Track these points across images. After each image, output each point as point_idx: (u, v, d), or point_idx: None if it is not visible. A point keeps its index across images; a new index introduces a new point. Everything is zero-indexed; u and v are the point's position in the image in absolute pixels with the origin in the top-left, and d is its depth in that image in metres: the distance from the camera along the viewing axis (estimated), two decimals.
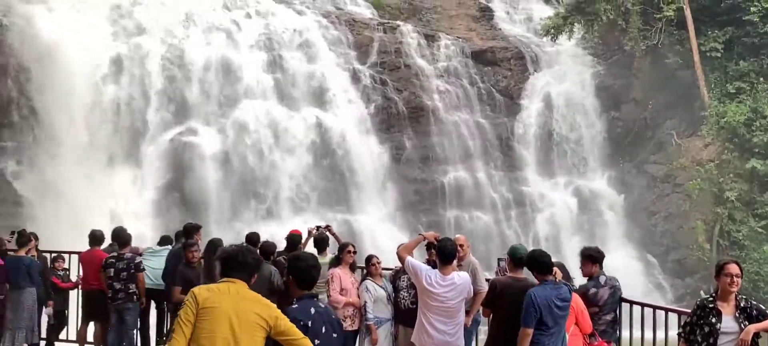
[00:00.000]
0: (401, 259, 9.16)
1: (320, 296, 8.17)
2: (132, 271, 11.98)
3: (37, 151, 24.40)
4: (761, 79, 29.37)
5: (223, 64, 27.57)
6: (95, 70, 25.91)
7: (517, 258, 8.62)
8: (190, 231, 12.41)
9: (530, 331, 7.84)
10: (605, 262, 28.16)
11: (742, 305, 7.24)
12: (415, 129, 29.03)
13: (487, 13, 35.69)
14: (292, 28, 30.00)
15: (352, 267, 11.18)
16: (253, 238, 12.21)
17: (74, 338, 13.63)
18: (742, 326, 7.12)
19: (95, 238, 12.98)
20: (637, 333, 10.91)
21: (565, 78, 31.98)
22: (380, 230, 25.51)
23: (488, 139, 29.73)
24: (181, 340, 5.53)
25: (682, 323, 7.48)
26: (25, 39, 25.37)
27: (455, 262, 9.21)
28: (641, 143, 30.63)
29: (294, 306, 6.20)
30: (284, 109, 27.56)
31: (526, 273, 8.71)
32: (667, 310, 10.17)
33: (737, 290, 7.29)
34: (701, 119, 29.51)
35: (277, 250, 12.50)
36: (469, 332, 10.88)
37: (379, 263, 11.24)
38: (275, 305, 5.88)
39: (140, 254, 12.76)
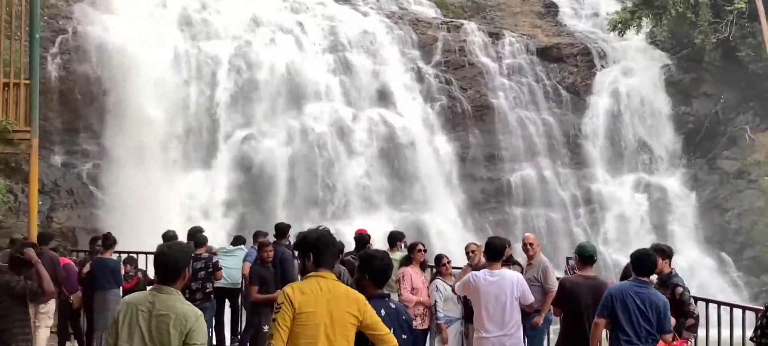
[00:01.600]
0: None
1: (392, 296, 8.25)
2: (210, 270, 12.31)
3: (113, 155, 25.10)
4: None
5: (289, 66, 27.90)
6: (165, 74, 26.46)
7: (585, 256, 8.64)
8: (283, 231, 12.71)
9: (601, 321, 7.69)
10: (678, 259, 27.82)
11: None
12: (480, 128, 28.93)
13: (552, 9, 35.33)
14: (356, 29, 30.20)
15: (423, 266, 11.26)
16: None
17: None
18: None
19: (167, 239, 13.35)
20: (712, 332, 10.75)
21: (633, 73, 31.45)
22: (447, 229, 25.50)
23: (555, 137, 29.45)
24: (279, 344, 5.56)
25: (754, 328, 7.01)
26: (100, 45, 26.13)
27: (503, 260, 9.32)
28: (713, 139, 29.94)
29: None
30: (350, 109, 27.78)
31: (595, 271, 8.75)
32: (743, 308, 9.97)
33: None
34: None
35: (346, 250, 12.70)
36: (541, 332, 10.91)
37: (449, 262, 11.32)
38: (362, 295, 5.91)
39: (215, 254, 13.09)
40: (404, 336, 6.24)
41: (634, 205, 28.10)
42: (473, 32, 31.99)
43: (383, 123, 27.62)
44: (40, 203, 23.32)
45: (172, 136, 25.99)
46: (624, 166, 29.65)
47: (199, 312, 5.66)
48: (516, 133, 29.08)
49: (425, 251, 11.25)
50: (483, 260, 9.88)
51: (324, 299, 5.61)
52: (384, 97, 28.58)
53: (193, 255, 12.24)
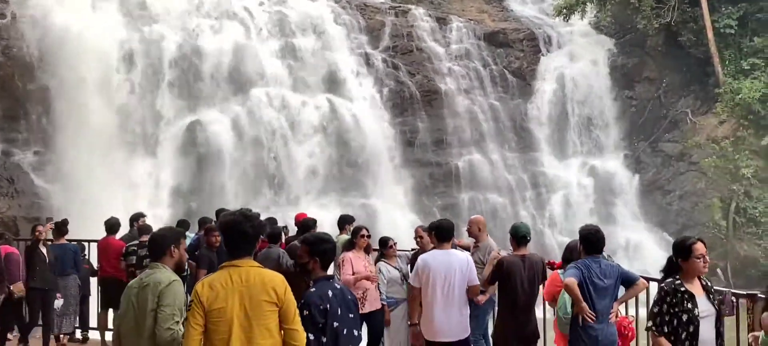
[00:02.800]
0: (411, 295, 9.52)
1: (336, 277, 8.27)
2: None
3: (54, 142, 24.60)
4: None
5: (235, 52, 27.63)
6: (109, 60, 26.00)
7: (519, 236, 8.85)
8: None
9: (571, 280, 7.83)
10: (621, 240, 28.12)
11: (704, 283, 6.75)
12: (428, 112, 29.04)
13: None
14: (303, 14, 30.02)
15: (367, 250, 11.15)
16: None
17: (95, 325, 13.84)
18: (716, 307, 6.69)
19: (111, 226, 13.26)
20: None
21: (578, 58, 31.89)
22: (396, 214, 25.59)
23: (502, 121, 29.73)
24: (193, 345, 5.39)
25: (649, 316, 6.76)
26: (39, 31, 25.53)
27: (452, 241, 9.33)
28: (656, 122, 30.54)
29: (312, 290, 6.19)
30: (297, 95, 27.63)
31: (537, 251, 9.01)
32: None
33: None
34: (715, 97, 29.41)
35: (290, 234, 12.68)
36: (485, 312, 10.95)
37: (394, 244, 11.37)
38: (282, 276, 5.69)
39: None
40: (351, 315, 6.32)
41: (579, 187, 28.55)
42: (421, 17, 32.08)
43: (331, 108, 27.55)
44: None
45: (115, 124, 25.54)
46: (569, 150, 30.10)
47: (175, 278, 5.93)
48: (463, 117, 29.26)
49: (369, 236, 11.03)
50: (430, 244, 9.93)
51: (236, 291, 5.41)
52: (332, 82, 28.50)
53: (137, 242, 12.11)
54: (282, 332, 5.55)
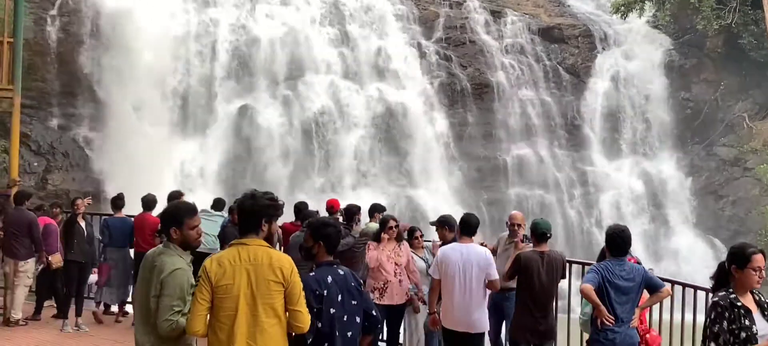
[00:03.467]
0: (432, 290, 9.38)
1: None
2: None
3: (108, 120, 25.09)
4: None
5: (289, 38, 27.81)
6: (164, 41, 26.37)
7: (539, 233, 8.83)
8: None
9: (588, 286, 7.71)
10: (671, 244, 27.58)
11: (757, 298, 6.14)
12: (478, 106, 28.88)
13: None
14: (358, 2, 30.08)
15: (398, 240, 10.78)
16: (300, 206, 12.47)
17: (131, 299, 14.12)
18: None
19: (146, 202, 13.48)
20: (700, 318, 10.75)
21: (634, 57, 31.38)
22: (442, 206, 25.49)
23: (553, 118, 29.42)
24: (199, 320, 5.46)
25: (708, 336, 6.08)
26: (97, 9, 26.03)
27: (476, 237, 9.34)
28: (711, 125, 29.92)
29: (311, 274, 6.16)
30: (349, 83, 27.71)
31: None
32: (702, 290, 9.88)
33: None
34: None
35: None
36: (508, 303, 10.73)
37: (421, 235, 11.37)
38: (291, 259, 5.71)
39: None
40: (354, 302, 6.26)
41: (630, 189, 28.12)
42: (475, 10, 31.88)
43: (382, 98, 27.56)
44: (36, 164, 23.46)
45: (169, 104, 25.96)
46: (621, 150, 29.66)
47: (179, 265, 5.75)
48: (514, 112, 29.04)
49: (396, 226, 10.67)
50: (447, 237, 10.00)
51: (243, 268, 5.46)
52: (384, 71, 28.51)
53: None
54: (287, 312, 5.58)
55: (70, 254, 13.17)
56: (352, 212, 11.81)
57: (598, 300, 7.62)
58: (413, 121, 27.40)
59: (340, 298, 6.16)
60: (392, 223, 10.63)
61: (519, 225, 10.62)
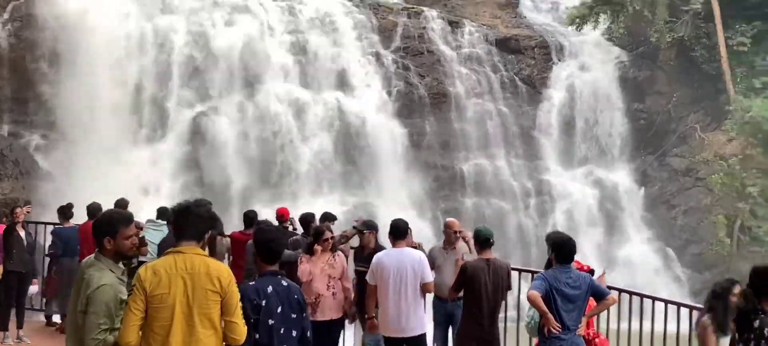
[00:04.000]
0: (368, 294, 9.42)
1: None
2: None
3: (60, 127, 24.70)
4: None
5: (246, 45, 27.64)
6: (119, 47, 26.06)
7: (482, 239, 8.86)
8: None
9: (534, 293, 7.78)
10: (624, 253, 27.96)
11: None
12: (436, 115, 28.97)
13: (513, 1, 35.50)
14: (316, 10, 30.01)
15: (333, 248, 10.27)
16: (250, 215, 12.41)
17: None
18: None
19: (92, 211, 13.27)
20: (647, 325, 10.92)
21: (589, 68, 31.76)
22: (399, 215, 25.43)
23: (509, 128, 29.63)
24: (131, 331, 5.27)
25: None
26: (51, 13, 25.64)
27: (408, 239, 9.56)
28: (664, 136, 30.43)
29: (251, 283, 6.05)
30: (306, 91, 27.62)
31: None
32: (678, 305, 10.07)
33: None
34: (726, 113, 29.29)
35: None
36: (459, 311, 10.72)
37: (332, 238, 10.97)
38: (228, 268, 5.60)
39: (141, 228, 12.88)
40: (294, 315, 6.12)
41: (584, 198, 28.43)
42: (433, 19, 31.99)
43: (339, 106, 27.52)
44: None
45: (122, 111, 25.61)
46: (576, 160, 29.98)
47: (105, 281, 5.53)
48: (471, 122, 29.19)
49: (332, 238, 10.21)
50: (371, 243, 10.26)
51: (180, 277, 5.32)
52: (341, 80, 28.47)
53: None
54: (223, 323, 5.45)
55: (8, 264, 12.82)
56: (308, 220, 11.76)
57: (545, 308, 7.67)
58: (371, 130, 27.39)
59: (279, 309, 6.04)
60: (327, 235, 10.16)
61: (456, 232, 10.66)
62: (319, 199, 24.96)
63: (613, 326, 10.34)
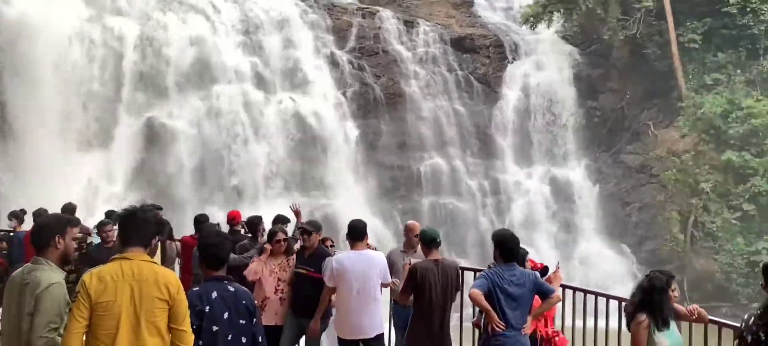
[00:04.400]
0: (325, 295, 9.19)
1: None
2: (83, 251, 11.63)
3: (8, 132, 24.10)
4: (738, 70, 29.62)
5: (199, 46, 27.27)
6: (68, 50, 25.52)
7: (428, 240, 8.72)
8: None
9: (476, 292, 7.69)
10: (580, 250, 28.05)
11: None
12: (392, 115, 28.90)
13: (467, 0, 35.57)
14: (270, 11, 29.72)
15: (288, 252, 9.90)
16: (200, 219, 12.12)
17: None
18: None
19: (67, 210, 12.92)
20: (601, 322, 10.92)
21: (543, 67, 31.93)
22: (355, 216, 25.29)
23: (465, 127, 29.67)
24: (74, 339, 5.11)
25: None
26: None
27: (366, 240, 9.32)
28: (618, 133, 30.71)
29: (195, 289, 5.88)
30: (260, 92, 27.33)
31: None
32: (607, 297, 10.04)
33: None
34: (678, 110, 29.64)
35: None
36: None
37: (332, 245, 10.88)
38: (176, 275, 5.50)
39: (89, 234, 12.56)
40: (242, 322, 5.97)
41: (540, 196, 28.56)
42: (388, 19, 31.93)
43: (294, 107, 27.28)
44: None
45: (72, 114, 25.08)
46: (531, 158, 30.10)
47: (56, 279, 5.48)
48: (427, 122, 29.17)
49: (285, 240, 9.84)
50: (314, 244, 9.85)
51: (126, 284, 5.16)
52: (296, 81, 28.24)
53: None
54: (170, 331, 5.31)
55: None
56: (254, 223, 11.50)
57: (488, 305, 7.57)
58: (326, 131, 27.22)
59: (225, 315, 5.87)
60: (280, 236, 9.79)
61: (417, 236, 10.25)
62: (274, 200, 24.69)
63: (568, 323, 10.28)
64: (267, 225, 11.40)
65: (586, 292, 10.30)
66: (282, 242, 9.72)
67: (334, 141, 27.15)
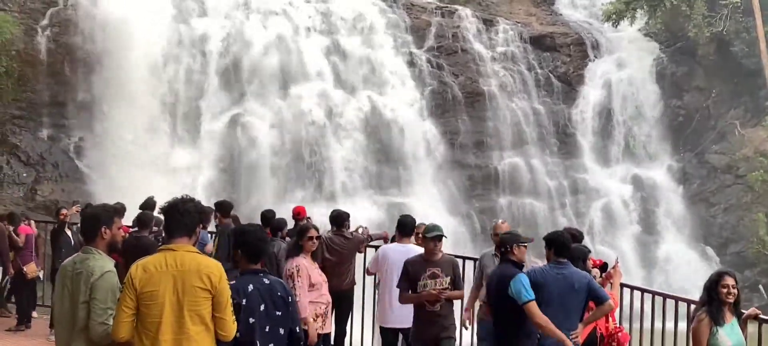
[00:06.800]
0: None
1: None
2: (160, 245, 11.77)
3: (99, 130, 25.05)
4: None
5: (280, 47, 27.77)
6: (156, 50, 26.34)
7: (425, 231, 8.90)
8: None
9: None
10: (662, 252, 27.65)
11: None
12: (470, 114, 28.85)
13: None
14: (350, 11, 30.05)
15: (314, 256, 9.65)
16: (267, 215, 12.34)
17: None
18: None
19: (147, 206, 13.19)
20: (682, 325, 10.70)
21: (626, 65, 31.40)
22: (433, 215, 25.40)
23: (545, 126, 29.41)
24: (123, 327, 5.36)
25: None
26: (88, 18, 25.99)
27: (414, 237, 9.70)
28: (703, 132, 29.95)
29: (232, 283, 5.97)
30: (340, 92, 27.67)
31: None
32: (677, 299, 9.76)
33: None
34: (766, 109, 28.78)
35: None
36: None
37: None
38: (220, 265, 5.61)
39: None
40: (278, 313, 6.08)
41: (621, 196, 28.09)
42: (467, 18, 31.86)
43: (373, 107, 27.53)
44: (25, 175, 23.43)
45: (160, 114, 25.90)
46: (612, 158, 29.64)
47: (109, 268, 5.73)
48: (506, 121, 29.02)
49: (318, 237, 9.60)
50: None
51: (169, 275, 5.36)
52: (375, 80, 28.48)
53: (136, 232, 11.40)
54: (213, 320, 5.48)
55: (57, 263, 13.09)
56: (268, 217, 11.76)
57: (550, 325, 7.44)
58: (405, 130, 27.36)
59: (262, 307, 6.01)
60: (312, 233, 9.37)
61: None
62: (352, 198, 25.01)
63: (627, 325, 10.06)
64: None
65: (644, 291, 10.13)
66: (314, 240, 9.38)
67: (413, 140, 27.26)
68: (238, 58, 27.27)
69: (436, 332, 8.56)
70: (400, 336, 9.58)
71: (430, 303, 8.45)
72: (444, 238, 8.78)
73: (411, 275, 8.53)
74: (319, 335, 9.12)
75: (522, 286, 7.45)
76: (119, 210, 6.04)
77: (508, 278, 7.63)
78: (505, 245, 7.99)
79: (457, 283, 8.70)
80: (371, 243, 11.64)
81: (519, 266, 7.88)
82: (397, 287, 8.92)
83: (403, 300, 8.75)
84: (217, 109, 26.50)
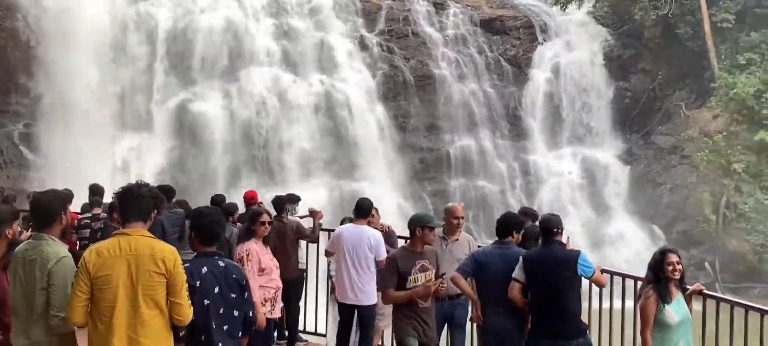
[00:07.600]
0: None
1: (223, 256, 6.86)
2: (108, 232, 11.45)
3: (44, 116, 24.55)
4: None
5: (230, 30, 27.50)
6: (102, 35, 25.88)
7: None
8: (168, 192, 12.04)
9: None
10: (610, 231, 27.94)
11: None
12: (421, 98, 28.95)
13: None
14: None
15: (265, 241, 9.41)
16: (217, 199, 12.26)
17: None
18: None
19: (95, 192, 12.84)
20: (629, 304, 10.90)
21: (574, 48, 31.77)
22: (385, 198, 25.44)
23: (495, 109, 29.64)
24: (77, 311, 5.36)
25: None
26: (34, 3, 25.40)
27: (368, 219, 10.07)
28: (649, 114, 30.50)
29: (185, 265, 5.89)
30: (290, 75, 27.53)
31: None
32: (623, 276, 9.96)
33: None
34: (710, 91, 29.32)
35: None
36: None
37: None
38: (175, 249, 5.59)
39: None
40: (233, 295, 6.07)
41: (570, 177, 28.49)
42: (418, 2, 31.87)
43: (324, 90, 27.44)
44: None
45: (106, 99, 25.47)
46: (561, 139, 30.03)
47: (64, 253, 5.69)
48: (457, 104, 29.17)
49: (270, 222, 9.41)
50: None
51: (123, 259, 5.35)
52: (326, 64, 28.38)
53: (90, 215, 11.52)
54: (169, 303, 5.49)
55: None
56: (218, 202, 11.79)
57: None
58: (356, 114, 27.35)
59: (216, 289, 5.99)
60: (264, 217, 9.19)
61: (459, 218, 9.40)
62: (304, 183, 24.92)
63: (595, 305, 10.22)
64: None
65: (612, 273, 10.25)
66: (265, 226, 9.20)
67: (364, 124, 27.27)
68: (187, 43, 26.93)
69: (432, 324, 8.35)
70: (356, 313, 9.73)
71: (423, 299, 8.15)
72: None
73: (401, 270, 8.12)
74: (267, 319, 9.01)
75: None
76: (69, 196, 5.99)
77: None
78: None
79: (439, 273, 8.34)
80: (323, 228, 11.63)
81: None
82: (380, 289, 8.90)
83: (389, 300, 8.33)
84: (166, 94, 26.16)
